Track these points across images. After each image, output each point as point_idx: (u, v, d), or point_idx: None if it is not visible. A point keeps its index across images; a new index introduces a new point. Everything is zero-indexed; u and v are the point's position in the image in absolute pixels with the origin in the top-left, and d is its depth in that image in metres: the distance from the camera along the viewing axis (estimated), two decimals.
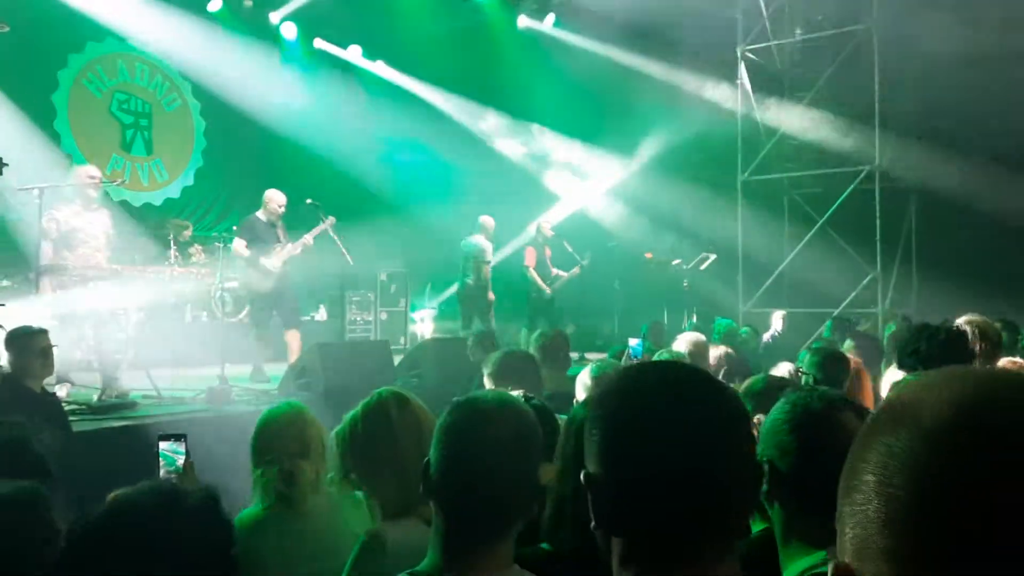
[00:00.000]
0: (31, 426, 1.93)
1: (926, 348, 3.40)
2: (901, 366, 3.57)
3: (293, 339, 8.07)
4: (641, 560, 0.99)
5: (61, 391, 6.28)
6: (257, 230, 8.12)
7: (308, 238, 8.14)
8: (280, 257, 8.02)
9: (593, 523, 1.02)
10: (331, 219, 8.29)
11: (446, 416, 1.52)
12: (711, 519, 0.97)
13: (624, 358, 4.86)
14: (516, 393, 2.06)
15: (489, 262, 9.95)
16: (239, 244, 8.08)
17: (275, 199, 8.25)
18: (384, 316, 12.63)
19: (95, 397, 6.12)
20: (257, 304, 8.26)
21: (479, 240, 9.96)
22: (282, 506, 2.62)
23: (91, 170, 6.96)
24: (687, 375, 1.07)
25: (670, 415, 0.99)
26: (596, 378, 3.25)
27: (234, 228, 8.71)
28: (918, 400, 0.64)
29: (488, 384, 3.59)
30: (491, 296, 9.96)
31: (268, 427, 2.77)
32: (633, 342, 5.11)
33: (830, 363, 3.80)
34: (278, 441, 2.72)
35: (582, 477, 1.04)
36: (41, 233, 6.55)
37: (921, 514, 0.59)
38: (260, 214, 8.26)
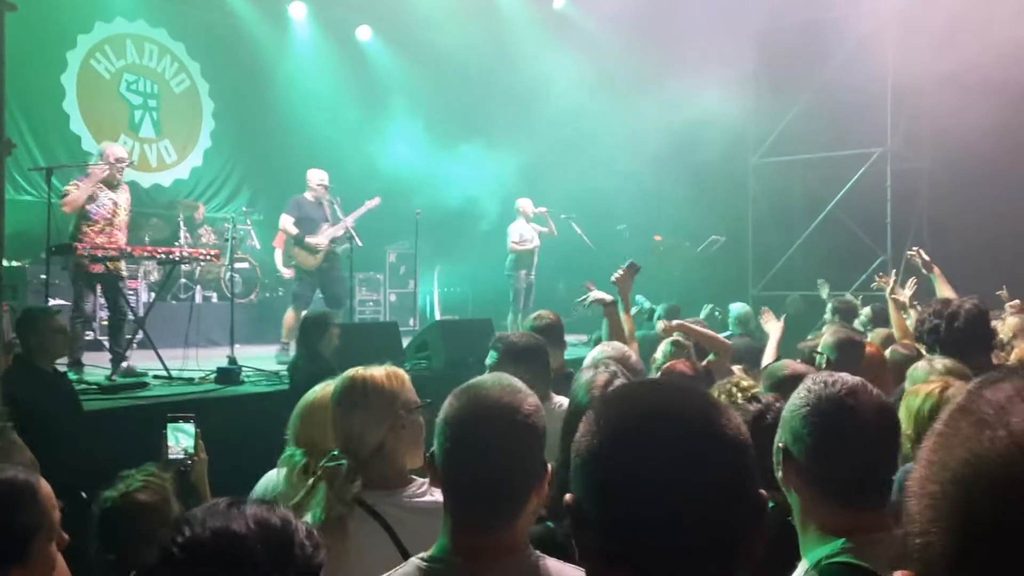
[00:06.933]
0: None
1: (946, 331, 3.37)
2: (919, 340, 3.54)
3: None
4: None
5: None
6: (305, 208, 8.27)
7: (349, 220, 8.25)
8: (326, 236, 8.14)
9: (577, 555, 0.98)
10: (376, 199, 8.54)
11: (447, 406, 1.52)
12: (710, 557, 0.93)
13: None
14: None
15: (517, 243, 9.80)
16: (287, 221, 8.23)
17: (314, 177, 8.41)
18: (393, 298, 12.66)
19: (105, 377, 6.14)
20: (304, 281, 8.32)
21: (511, 226, 9.92)
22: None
23: (119, 151, 6.93)
24: (683, 406, 0.98)
25: (663, 453, 0.93)
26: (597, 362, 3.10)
27: (244, 209, 8.77)
28: (1007, 404, 0.61)
29: (493, 366, 3.48)
30: (520, 283, 9.83)
31: (310, 415, 2.49)
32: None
33: (847, 346, 3.76)
34: (320, 430, 2.42)
35: (566, 501, 0.99)
36: (52, 213, 6.53)
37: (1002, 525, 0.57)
38: (307, 193, 8.42)
